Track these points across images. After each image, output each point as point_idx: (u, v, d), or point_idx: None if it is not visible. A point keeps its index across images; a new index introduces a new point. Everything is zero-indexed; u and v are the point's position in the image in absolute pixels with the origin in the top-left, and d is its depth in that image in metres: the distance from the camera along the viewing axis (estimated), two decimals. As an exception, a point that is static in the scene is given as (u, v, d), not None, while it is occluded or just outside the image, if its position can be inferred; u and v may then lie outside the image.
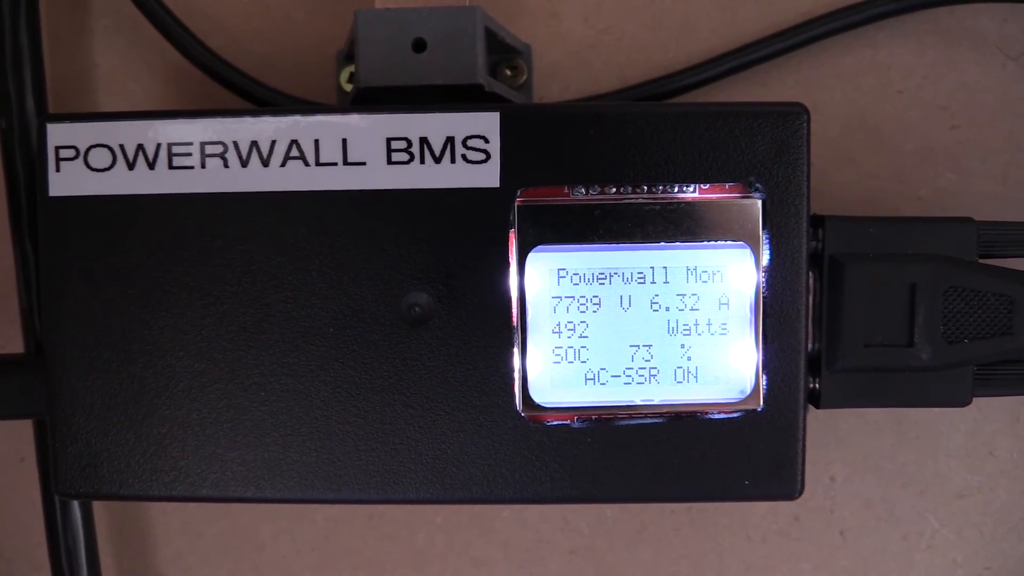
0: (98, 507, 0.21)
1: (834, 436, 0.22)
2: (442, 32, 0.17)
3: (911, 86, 0.22)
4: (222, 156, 0.16)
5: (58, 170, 0.16)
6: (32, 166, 0.20)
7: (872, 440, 0.22)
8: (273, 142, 0.16)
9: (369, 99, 0.17)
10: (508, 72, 0.21)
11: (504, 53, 0.20)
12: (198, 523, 0.22)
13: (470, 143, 0.16)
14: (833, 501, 0.22)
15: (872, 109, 0.22)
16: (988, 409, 0.22)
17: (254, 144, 0.16)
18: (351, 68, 0.21)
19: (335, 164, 0.16)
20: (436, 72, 0.17)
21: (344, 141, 0.16)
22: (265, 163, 0.16)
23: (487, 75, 0.18)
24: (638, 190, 0.16)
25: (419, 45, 0.18)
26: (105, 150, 0.16)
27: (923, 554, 0.22)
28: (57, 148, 0.16)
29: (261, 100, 0.20)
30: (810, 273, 0.16)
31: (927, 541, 0.22)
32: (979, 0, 0.21)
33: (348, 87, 0.21)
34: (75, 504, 0.20)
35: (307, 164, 0.16)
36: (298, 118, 0.16)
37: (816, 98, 0.22)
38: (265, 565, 0.22)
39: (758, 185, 0.16)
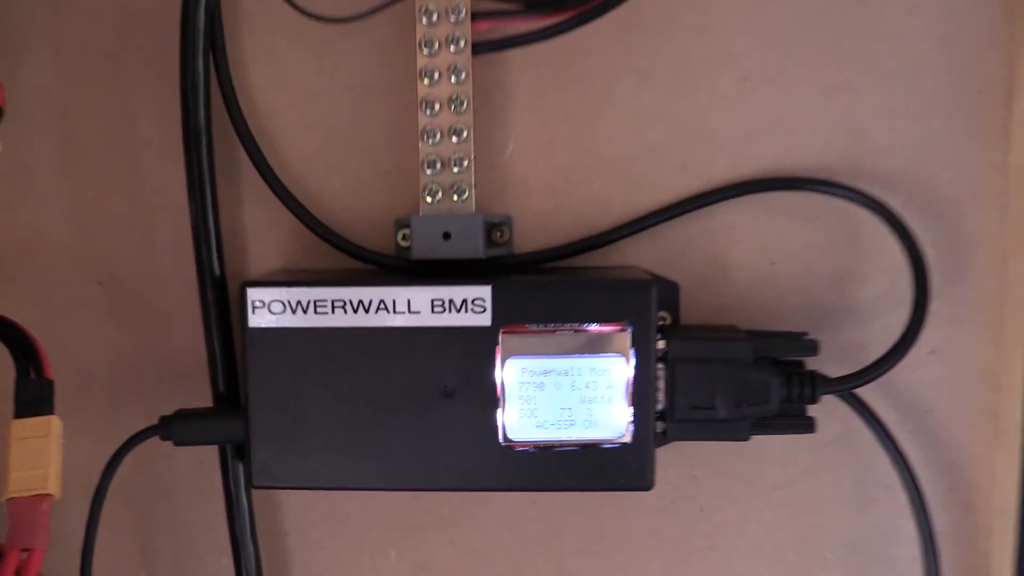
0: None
1: (697, 451, 0.35)
2: (459, 229, 0.31)
3: (747, 236, 0.35)
4: (343, 307, 0.29)
5: (253, 312, 0.30)
6: (221, 294, 0.33)
7: (721, 452, 0.35)
8: (371, 300, 0.29)
9: (420, 267, 0.31)
10: (498, 235, 0.34)
11: (495, 225, 0.34)
12: (305, 504, 0.36)
13: (475, 303, 0.29)
14: (696, 490, 0.36)
15: (723, 254, 0.35)
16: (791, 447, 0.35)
17: (360, 301, 0.29)
18: (405, 231, 0.34)
19: (403, 312, 0.29)
20: (456, 251, 0.31)
21: (408, 300, 0.29)
22: (367, 311, 0.29)
23: (485, 248, 0.32)
24: (566, 326, 0.29)
25: (447, 235, 0.31)
26: (280, 303, 0.30)
27: (753, 523, 0.36)
28: (253, 301, 0.30)
29: (349, 251, 0.34)
30: (661, 366, 0.30)
31: (755, 515, 0.36)
32: (795, 189, 0.34)
33: (404, 244, 0.34)
34: (245, 498, 0.34)
35: (388, 312, 0.29)
36: (385, 288, 0.29)
37: (698, 245, 0.35)
38: (349, 530, 0.36)
39: (628, 325, 0.29)
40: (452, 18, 0.31)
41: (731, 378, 0.30)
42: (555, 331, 0.29)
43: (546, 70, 0.34)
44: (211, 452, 0.35)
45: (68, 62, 0.36)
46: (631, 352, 0.29)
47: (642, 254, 0.35)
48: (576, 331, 0.29)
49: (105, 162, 0.36)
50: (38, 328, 0.31)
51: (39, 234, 0.36)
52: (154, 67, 0.35)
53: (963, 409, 0.35)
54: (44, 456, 0.28)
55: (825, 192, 0.33)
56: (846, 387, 0.32)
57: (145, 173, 0.36)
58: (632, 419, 0.30)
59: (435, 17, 0.31)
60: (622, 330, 0.29)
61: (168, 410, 0.33)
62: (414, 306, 0.29)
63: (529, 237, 0.35)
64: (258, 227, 0.35)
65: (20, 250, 0.35)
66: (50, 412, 0.29)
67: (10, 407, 0.29)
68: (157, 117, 0.35)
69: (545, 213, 0.35)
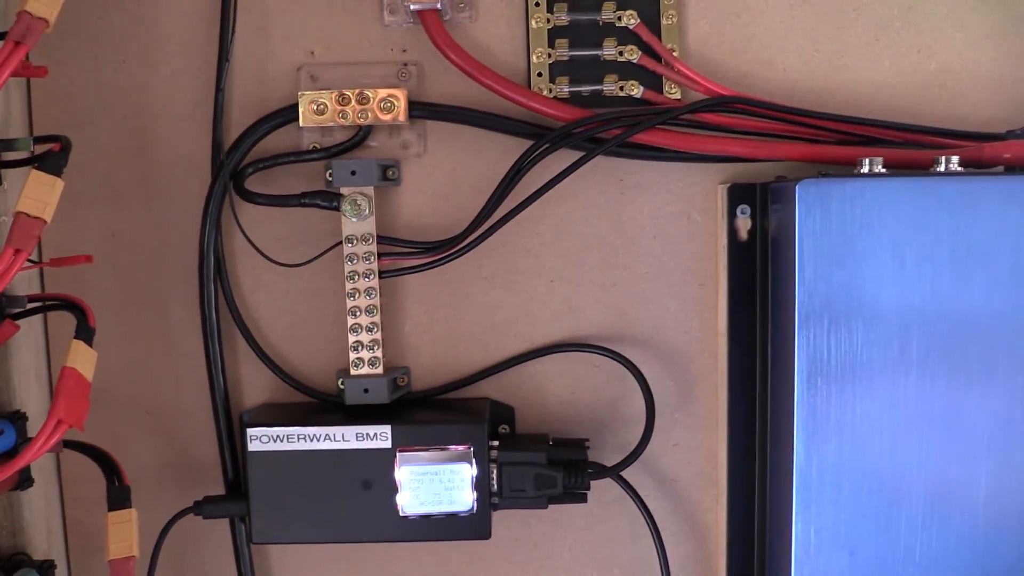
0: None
1: (535, 512, 0.56)
2: (374, 386, 0.51)
3: (557, 377, 0.55)
4: (305, 438, 0.50)
5: (251, 442, 0.50)
6: (228, 420, 0.53)
7: (546, 510, 0.56)
8: (322, 434, 0.50)
9: (351, 408, 0.51)
10: (401, 380, 0.54)
11: (398, 374, 0.54)
12: (282, 549, 0.56)
13: (381, 434, 0.50)
14: (530, 532, 0.56)
15: (542, 388, 0.55)
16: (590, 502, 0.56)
17: (315, 434, 0.50)
18: (342, 380, 0.54)
19: (340, 440, 0.50)
20: (372, 399, 0.52)
21: (343, 434, 0.50)
22: (319, 440, 0.50)
23: (390, 395, 0.52)
24: (435, 446, 0.50)
25: (366, 390, 0.51)
26: (267, 436, 0.50)
27: (569, 550, 0.57)
28: (250, 436, 0.50)
29: (306, 392, 0.54)
30: (494, 467, 0.51)
31: (568, 545, 0.57)
32: (583, 351, 0.55)
33: (341, 387, 0.54)
34: (247, 548, 0.54)
35: (332, 440, 0.50)
36: (329, 427, 0.50)
37: (526, 382, 0.55)
38: (311, 564, 0.56)
39: (471, 445, 0.50)
40: (366, 261, 0.51)
41: (533, 473, 0.51)
42: (429, 449, 0.50)
43: (428, 279, 0.55)
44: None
45: (121, 271, 0.55)
46: (473, 461, 0.50)
47: (491, 389, 0.56)
48: (442, 449, 0.50)
49: (147, 334, 0.56)
50: (109, 442, 0.50)
51: (107, 383, 0.56)
52: (180, 276, 0.55)
53: (695, 479, 0.56)
54: (129, 533, 0.48)
55: (600, 353, 0.54)
56: (608, 474, 0.53)
57: (175, 342, 0.56)
58: (475, 499, 0.50)
59: (356, 259, 0.51)
60: (468, 448, 0.50)
61: (191, 494, 0.54)
62: (346, 437, 0.50)
63: (421, 380, 0.56)
64: (249, 377, 0.56)
65: (95, 395, 0.55)
66: (130, 506, 0.49)
67: (104, 502, 0.49)
68: (183, 308, 0.55)
69: (431, 366, 0.55)
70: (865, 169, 0.46)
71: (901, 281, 0.44)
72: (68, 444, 0.50)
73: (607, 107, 0.53)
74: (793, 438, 0.45)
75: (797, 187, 0.44)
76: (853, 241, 0.44)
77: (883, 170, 0.46)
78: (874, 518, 0.45)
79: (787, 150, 0.51)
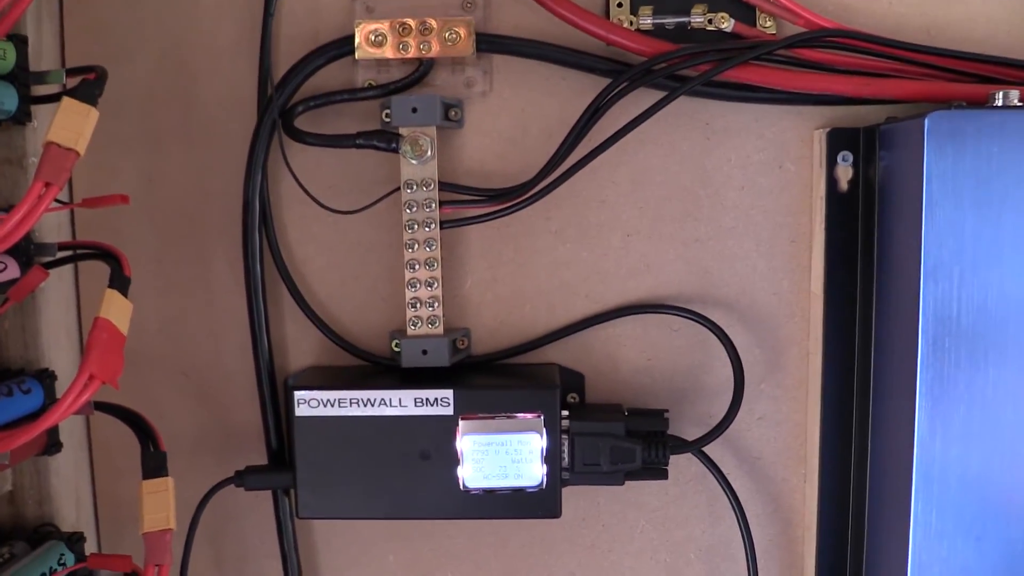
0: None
1: (605, 490, 0.51)
2: (433, 348, 0.47)
3: (630, 342, 0.50)
4: (358, 402, 0.45)
5: (298, 407, 0.45)
6: (271, 383, 0.49)
7: (616, 487, 0.51)
8: (376, 398, 0.45)
9: (407, 371, 0.47)
10: (461, 343, 0.50)
11: (458, 336, 0.49)
12: (329, 525, 0.52)
13: (442, 400, 0.45)
14: (599, 512, 0.52)
15: (614, 354, 0.50)
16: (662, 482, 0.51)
17: (368, 399, 0.45)
18: (397, 342, 0.49)
19: (397, 406, 0.45)
20: (431, 362, 0.47)
21: (400, 399, 0.45)
22: (373, 405, 0.45)
23: (450, 358, 0.47)
24: (502, 413, 0.45)
25: (424, 352, 0.47)
26: (316, 400, 0.45)
27: (641, 532, 0.52)
28: (298, 399, 0.45)
29: (357, 355, 0.50)
30: (565, 438, 0.46)
31: (641, 527, 0.52)
32: (661, 312, 0.50)
33: (396, 349, 0.49)
34: (290, 523, 0.49)
35: (387, 405, 0.45)
36: (384, 391, 0.45)
37: (597, 348, 0.50)
38: (361, 543, 0.52)
39: (541, 413, 0.45)
40: (427, 209, 0.46)
41: (609, 446, 0.46)
42: (495, 417, 0.45)
43: (492, 231, 0.50)
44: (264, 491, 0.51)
45: (158, 220, 0.51)
46: (544, 431, 0.45)
47: (559, 354, 0.51)
48: (508, 417, 0.45)
49: (186, 289, 0.51)
50: (143, 406, 0.46)
51: (142, 342, 0.51)
52: (223, 226, 0.50)
53: (781, 456, 0.51)
54: (165, 504, 0.44)
55: (679, 315, 0.49)
56: (689, 448, 0.48)
57: (216, 298, 0.51)
58: (545, 473, 0.45)
59: (415, 208, 0.47)
60: (537, 416, 0.45)
61: (231, 463, 0.49)
62: (404, 402, 0.45)
63: (482, 344, 0.51)
64: (296, 337, 0.51)
65: (129, 355, 0.50)
66: (166, 475, 0.45)
67: (137, 471, 0.45)
68: (225, 261, 0.51)
69: (492, 327, 0.51)
70: (999, 102, 0.40)
71: (1047, 228, 0.38)
72: (100, 406, 0.46)
73: (693, 41, 0.47)
74: (915, 407, 0.40)
75: (927, 119, 0.38)
76: (990, 183, 0.38)
77: (1020, 104, 0.40)
78: (1007, 500, 0.39)
79: (900, 88, 0.46)
